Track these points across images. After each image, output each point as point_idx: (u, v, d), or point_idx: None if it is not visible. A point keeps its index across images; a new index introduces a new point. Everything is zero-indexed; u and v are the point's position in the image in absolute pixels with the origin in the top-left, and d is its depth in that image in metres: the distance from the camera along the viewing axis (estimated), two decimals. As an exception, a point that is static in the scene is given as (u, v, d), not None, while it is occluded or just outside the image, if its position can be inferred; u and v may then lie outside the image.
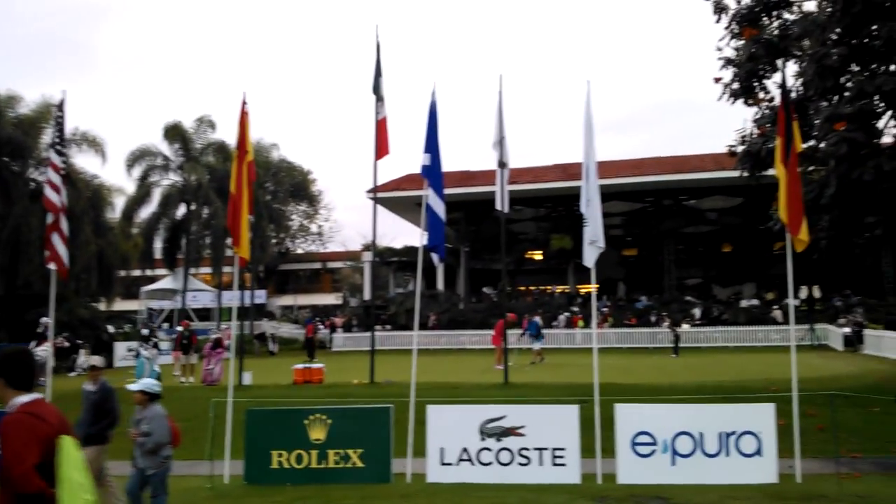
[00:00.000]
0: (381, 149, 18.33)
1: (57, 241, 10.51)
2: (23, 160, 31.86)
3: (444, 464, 8.76)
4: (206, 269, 49.95)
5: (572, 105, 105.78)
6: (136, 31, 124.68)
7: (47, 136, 32.15)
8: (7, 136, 30.58)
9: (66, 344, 27.49)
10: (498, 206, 17.74)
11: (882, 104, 13.47)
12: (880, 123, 13.90)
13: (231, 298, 45.87)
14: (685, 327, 34.95)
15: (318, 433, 9.06)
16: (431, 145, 10.12)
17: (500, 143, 17.71)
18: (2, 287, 30.37)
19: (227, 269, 45.55)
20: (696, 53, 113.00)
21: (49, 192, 10.55)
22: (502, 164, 17.67)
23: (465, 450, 8.71)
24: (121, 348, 32.48)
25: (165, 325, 49.65)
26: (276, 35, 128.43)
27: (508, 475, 8.56)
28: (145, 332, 34.29)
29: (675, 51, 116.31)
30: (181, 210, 43.21)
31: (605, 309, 39.72)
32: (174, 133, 42.31)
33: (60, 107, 11.10)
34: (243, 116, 10.72)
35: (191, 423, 13.01)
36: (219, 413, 9.85)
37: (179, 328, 23.93)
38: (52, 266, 10.56)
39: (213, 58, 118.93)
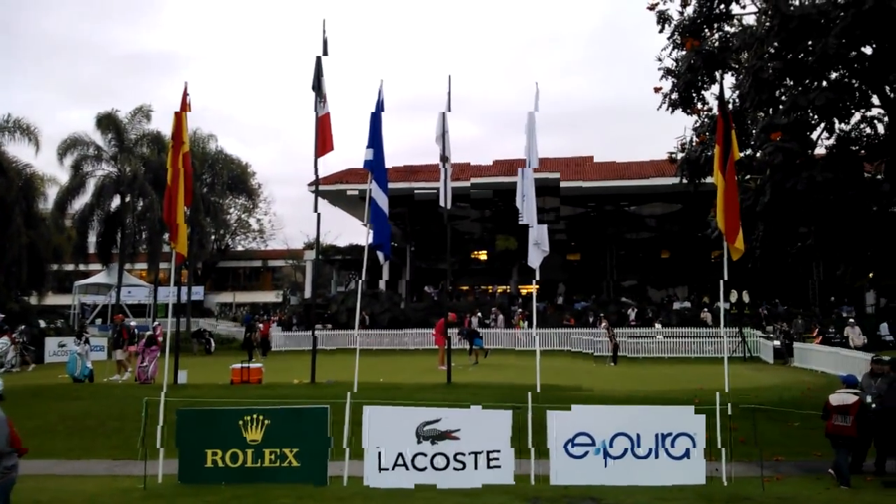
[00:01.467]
0: (325, 145, 18.03)
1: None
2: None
3: (381, 468, 8.67)
4: (142, 265, 48.60)
5: (516, 104, 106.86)
6: (75, 18, 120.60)
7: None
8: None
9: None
10: (441, 203, 17.66)
11: (815, 117, 13.94)
12: (814, 135, 14.38)
13: (167, 295, 44.83)
14: (658, 327, 35.28)
15: (254, 434, 8.90)
16: (375, 140, 10.05)
17: (443, 136, 17.55)
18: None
19: (164, 264, 44.36)
20: (624, 61, 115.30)
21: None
22: (444, 159, 17.58)
23: (400, 454, 8.64)
24: (52, 343, 31.45)
25: (98, 321, 48.15)
26: (220, 28, 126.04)
27: (444, 480, 8.54)
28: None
29: (611, 58, 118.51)
30: (116, 202, 41.84)
31: (519, 310, 40.07)
32: (107, 123, 40.92)
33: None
34: (183, 106, 10.44)
35: (123, 423, 12.65)
36: (153, 412, 9.58)
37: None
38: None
39: (150, 48, 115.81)
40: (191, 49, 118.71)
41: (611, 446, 8.60)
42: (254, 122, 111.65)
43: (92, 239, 41.86)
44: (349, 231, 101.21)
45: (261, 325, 35.23)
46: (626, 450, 8.59)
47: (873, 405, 9.52)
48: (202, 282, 59.25)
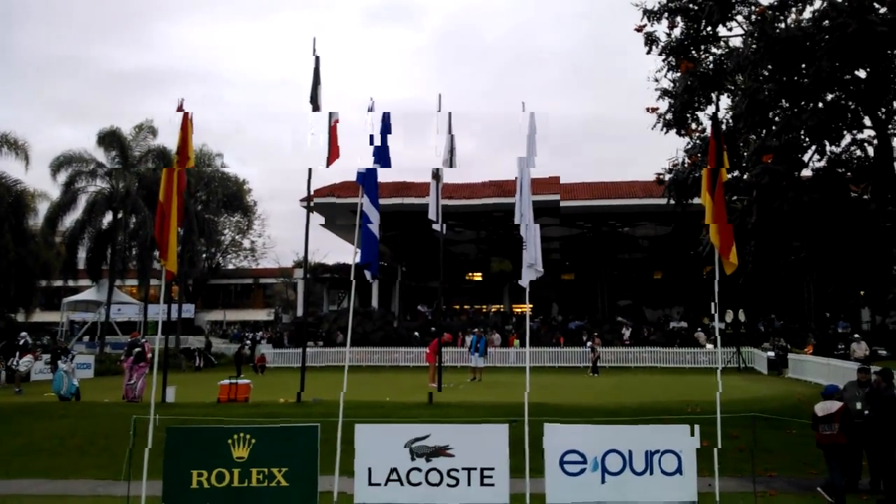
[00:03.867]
0: (332, 154, 18.05)
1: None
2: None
3: (371, 484, 8.58)
4: (133, 281, 48.31)
5: (512, 126, 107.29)
6: (60, 35, 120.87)
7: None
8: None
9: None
10: (431, 216, 17.67)
11: (807, 139, 14.06)
12: (805, 157, 14.50)
13: (157, 312, 44.49)
14: (702, 339, 35.15)
15: (241, 451, 8.78)
16: (381, 157, 10.04)
17: (451, 157, 17.73)
18: None
19: (154, 281, 44.15)
20: (602, 81, 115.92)
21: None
22: (436, 176, 17.72)
23: (394, 469, 8.56)
24: (38, 361, 31.14)
25: (86, 338, 47.79)
26: (207, 47, 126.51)
27: (437, 495, 8.45)
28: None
29: (590, 78, 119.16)
30: (108, 218, 41.64)
31: (508, 327, 40.14)
32: (111, 139, 40.74)
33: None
34: (185, 122, 10.33)
35: (110, 442, 12.48)
36: (140, 431, 9.45)
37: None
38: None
39: (134, 66, 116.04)
40: (176, 67, 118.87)
41: (605, 464, 8.55)
42: (242, 139, 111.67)
43: (82, 255, 41.61)
44: (339, 249, 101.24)
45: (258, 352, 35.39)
46: (621, 467, 8.54)
47: (865, 412, 9.54)
48: (193, 299, 58.96)
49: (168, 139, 43.02)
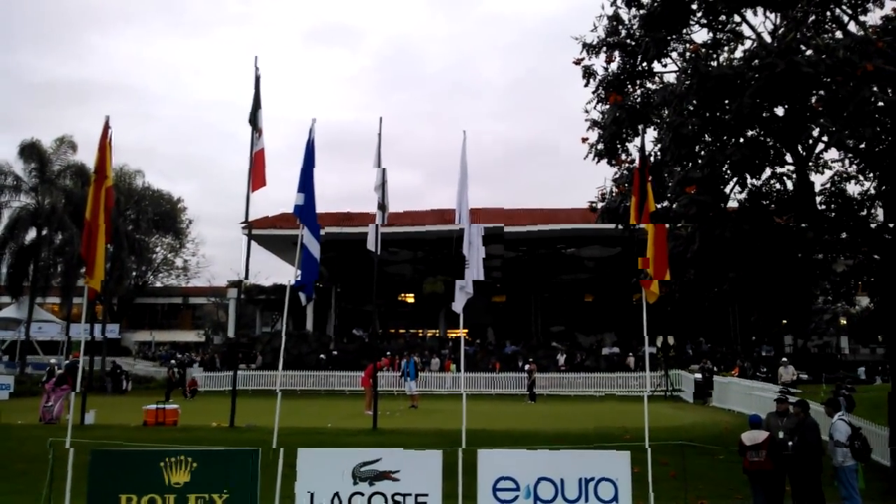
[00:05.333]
0: (257, 181, 17.99)
1: None
2: None
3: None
4: (55, 299, 46.41)
5: (453, 153, 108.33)
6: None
7: None
8: None
9: None
10: (370, 247, 17.73)
11: (729, 171, 14.64)
12: (727, 188, 15.08)
13: (80, 331, 42.81)
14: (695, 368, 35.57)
15: (178, 476, 8.48)
16: (306, 184, 9.96)
17: (382, 186, 17.89)
18: None
19: (77, 299, 42.47)
20: (537, 110, 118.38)
21: None
22: (382, 207, 17.79)
23: (336, 494, 8.44)
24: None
25: (6, 358, 45.58)
26: (139, 59, 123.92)
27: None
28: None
29: (526, 107, 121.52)
30: (31, 235, 39.99)
31: (444, 352, 40.40)
32: (30, 152, 39.36)
33: None
34: (105, 139, 10.18)
35: (29, 465, 11.91)
36: (59, 454, 9.06)
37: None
38: None
39: (64, 77, 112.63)
40: (109, 79, 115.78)
41: (537, 491, 8.60)
42: (177, 158, 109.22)
43: (2, 271, 39.82)
44: (281, 271, 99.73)
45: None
46: (553, 495, 8.59)
47: (790, 443, 9.87)
48: (118, 319, 56.95)
49: (88, 155, 41.89)
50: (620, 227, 16.32)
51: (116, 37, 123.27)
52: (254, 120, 18.57)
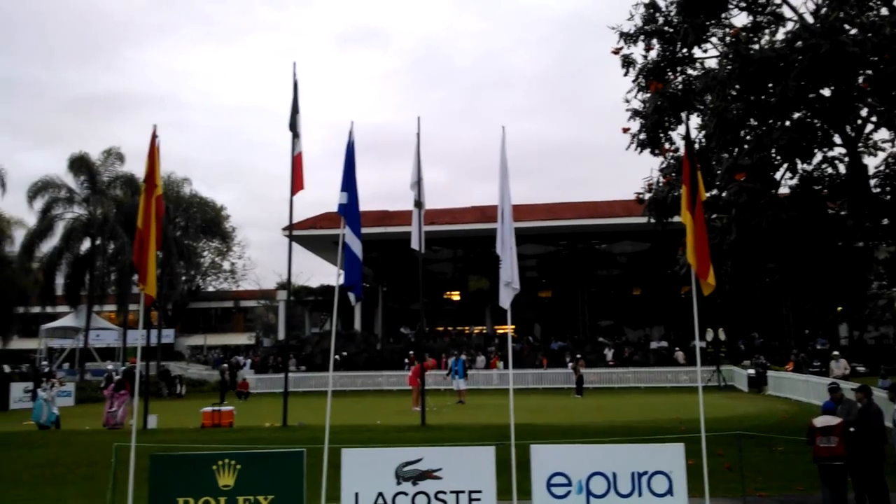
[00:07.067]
0: (297, 184, 18.46)
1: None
2: None
3: (358, 510, 8.51)
4: (111, 307, 47.78)
5: (487, 149, 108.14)
6: (28, 60, 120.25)
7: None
8: None
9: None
10: (414, 246, 17.90)
11: (778, 157, 14.32)
12: (777, 175, 14.76)
13: (137, 338, 44.03)
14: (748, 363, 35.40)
15: (226, 479, 8.68)
16: (349, 184, 10.05)
17: (418, 183, 18.05)
18: None
19: (133, 306, 43.72)
20: (575, 102, 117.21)
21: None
22: (419, 205, 17.91)
23: (380, 494, 8.52)
24: (17, 389, 30.57)
25: (66, 365, 47.11)
26: (179, 71, 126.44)
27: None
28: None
29: (563, 100, 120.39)
30: (86, 245, 41.27)
31: (491, 349, 40.27)
32: (80, 165, 40.62)
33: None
34: (153, 149, 10.43)
35: (93, 470, 12.32)
36: (122, 458, 9.33)
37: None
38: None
39: (104, 90, 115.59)
40: (146, 90, 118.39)
41: (589, 486, 8.55)
42: (215, 165, 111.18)
43: (60, 281, 41.15)
44: (321, 272, 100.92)
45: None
46: (606, 490, 8.53)
47: (851, 429, 9.61)
48: (172, 324, 58.39)
49: (135, 165, 43.00)
50: (665, 220, 16.08)
51: (152, 49, 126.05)
52: (293, 125, 18.94)
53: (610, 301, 47.32)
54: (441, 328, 49.07)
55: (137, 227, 10.37)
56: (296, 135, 18.83)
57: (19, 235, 40.02)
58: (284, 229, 36.81)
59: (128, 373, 20.27)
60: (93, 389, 32.91)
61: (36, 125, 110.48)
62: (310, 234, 42.45)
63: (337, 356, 39.59)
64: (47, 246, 40.23)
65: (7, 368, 35.97)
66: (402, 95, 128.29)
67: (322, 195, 59.81)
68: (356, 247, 10.00)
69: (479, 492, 8.50)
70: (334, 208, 10.31)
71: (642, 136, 16.10)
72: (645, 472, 8.54)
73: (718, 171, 15.01)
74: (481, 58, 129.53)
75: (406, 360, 39.08)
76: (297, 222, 36.76)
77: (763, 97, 13.79)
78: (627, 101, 16.44)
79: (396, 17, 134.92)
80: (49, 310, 45.26)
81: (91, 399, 30.77)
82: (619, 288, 47.63)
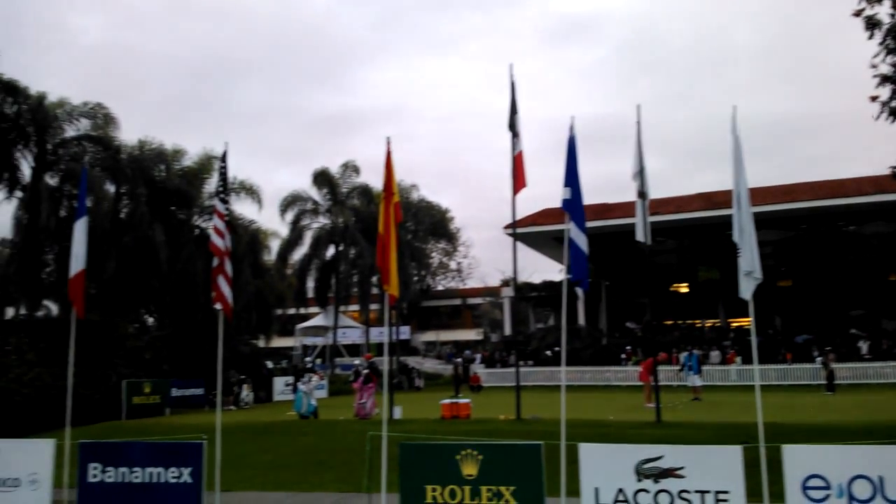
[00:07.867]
0: (519, 182, 18.73)
1: (222, 282, 11.16)
2: (188, 208, 34.69)
3: (599, 504, 8.54)
4: (353, 307, 52.02)
5: (707, 133, 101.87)
6: (269, 86, 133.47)
7: (209, 185, 35.02)
8: (174, 187, 33.37)
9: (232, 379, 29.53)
10: (639, 238, 17.40)
11: None
12: None
13: (378, 334, 47.61)
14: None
15: (470, 468, 9.05)
16: (571, 179, 10.08)
17: (640, 173, 17.48)
18: (171, 325, 33.02)
19: (373, 306, 47.26)
20: (801, 74, 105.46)
21: (215, 238, 11.18)
22: (642, 195, 17.37)
23: (621, 490, 8.47)
24: (279, 383, 34.32)
25: (318, 361, 52.13)
26: (413, 82, 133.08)
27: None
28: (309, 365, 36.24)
29: (789, 73, 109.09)
30: (330, 251, 45.47)
31: (726, 343, 37.73)
32: (322, 178, 44.83)
33: (223, 158, 11.33)
34: (388, 160, 11.20)
35: (350, 456, 13.46)
36: (374, 446, 10.11)
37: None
38: (218, 306, 11.17)
39: (335, 110, 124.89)
40: (374, 105, 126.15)
41: (851, 490, 7.86)
42: (438, 169, 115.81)
43: (310, 285, 45.68)
44: (542, 267, 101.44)
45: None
46: (872, 495, 7.79)
47: None
48: (407, 321, 62.21)
49: (368, 176, 46.40)
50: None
51: (377, 67, 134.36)
52: (512, 124, 19.28)
53: (862, 288, 42.49)
54: (669, 322, 47.23)
55: (378, 233, 11.22)
56: (515, 134, 19.14)
57: (274, 245, 45.06)
58: (506, 227, 37.64)
59: (371, 366, 21.99)
60: (342, 382, 36.10)
61: (281, 145, 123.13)
62: (531, 231, 42.88)
63: (548, 352, 39.77)
64: (298, 253, 45.03)
65: (270, 364, 40.57)
66: (610, 85, 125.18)
67: (539, 192, 60.27)
68: (581, 241, 10.01)
69: (727, 492, 8.15)
70: (552, 204, 10.50)
71: (894, 103, 14.36)
72: (921, 478, 7.69)
73: None
74: (697, 38, 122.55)
75: (623, 356, 38.24)
76: (518, 220, 37.46)
77: None
78: (874, 66, 14.73)
79: (603, 4, 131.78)
80: (302, 311, 50.41)
81: (341, 392, 33.75)
82: (872, 273, 42.61)
